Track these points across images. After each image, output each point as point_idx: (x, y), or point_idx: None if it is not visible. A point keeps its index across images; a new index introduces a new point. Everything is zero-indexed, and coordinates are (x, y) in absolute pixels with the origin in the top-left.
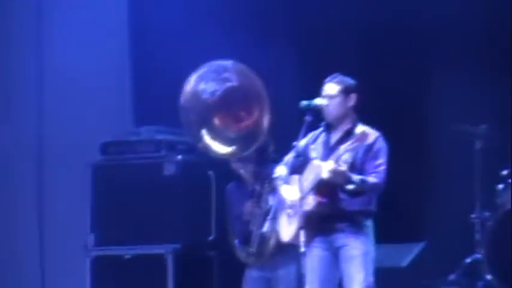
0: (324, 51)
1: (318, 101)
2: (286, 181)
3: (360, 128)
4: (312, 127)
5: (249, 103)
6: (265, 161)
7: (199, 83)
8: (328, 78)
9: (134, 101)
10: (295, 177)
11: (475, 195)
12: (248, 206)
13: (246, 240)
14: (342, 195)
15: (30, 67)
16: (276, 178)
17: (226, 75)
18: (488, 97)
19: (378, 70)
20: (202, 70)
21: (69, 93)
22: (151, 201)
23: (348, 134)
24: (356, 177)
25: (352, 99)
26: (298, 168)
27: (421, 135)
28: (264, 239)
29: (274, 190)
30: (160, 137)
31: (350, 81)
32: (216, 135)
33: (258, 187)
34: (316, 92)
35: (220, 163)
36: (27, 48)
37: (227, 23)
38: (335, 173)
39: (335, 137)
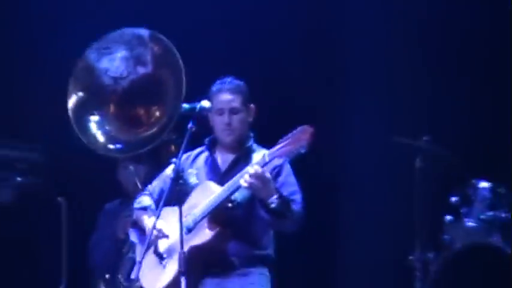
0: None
1: (205, 104)
2: (158, 214)
3: (261, 151)
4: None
5: (157, 101)
6: (162, 163)
7: (102, 57)
8: (223, 85)
9: None
10: (171, 208)
11: (415, 230)
12: (124, 219)
13: (114, 270)
14: (240, 233)
15: None
16: (140, 209)
17: (140, 50)
18: (434, 99)
19: (280, 67)
20: (108, 39)
21: None
22: None
23: (247, 156)
24: (282, 194)
25: (253, 111)
26: (177, 196)
27: (342, 151)
28: (132, 280)
29: (134, 224)
30: None
31: (246, 86)
32: (105, 126)
33: None
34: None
35: (75, 187)
36: None
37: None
38: (262, 179)
39: (225, 158)
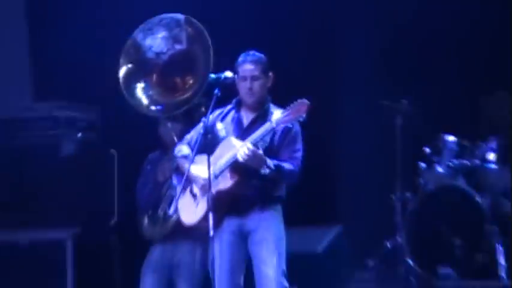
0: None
1: (228, 74)
2: (192, 160)
3: (277, 111)
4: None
5: (189, 72)
6: (195, 122)
7: (147, 37)
8: (245, 57)
9: (33, 75)
10: (204, 156)
11: (396, 175)
12: (164, 166)
13: (155, 207)
14: (256, 181)
15: None
16: (179, 157)
17: (177, 31)
18: (411, 68)
19: (286, 44)
20: (152, 22)
21: None
22: (50, 183)
23: (265, 114)
24: (272, 163)
25: (271, 79)
26: (206, 147)
27: (337, 112)
28: (169, 215)
29: (177, 170)
30: (58, 113)
31: (265, 58)
32: (148, 91)
33: None
34: (223, 65)
35: (125, 141)
36: None
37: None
38: (252, 156)
39: (247, 116)
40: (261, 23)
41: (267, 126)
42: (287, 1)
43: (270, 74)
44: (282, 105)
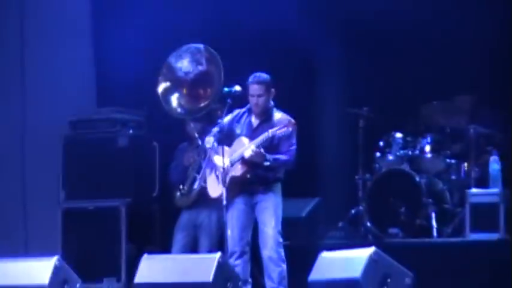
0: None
1: (237, 88)
2: (216, 150)
3: (277, 114)
4: (232, 108)
5: (209, 85)
6: (212, 122)
7: (177, 61)
8: (253, 79)
9: (97, 87)
10: (225, 148)
11: (359, 161)
12: (189, 154)
13: (183, 184)
14: (260, 170)
15: (15, 62)
16: (208, 147)
17: (198, 56)
18: (370, 84)
19: (279, 65)
20: (181, 50)
21: (46, 83)
22: (109, 166)
23: (268, 119)
24: (270, 157)
25: (273, 93)
26: (222, 140)
27: (316, 116)
28: (193, 189)
29: (204, 156)
30: (116, 116)
31: (269, 78)
32: (180, 100)
33: (201, 142)
34: (233, 81)
35: (163, 136)
36: (12, 46)
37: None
38: (255, 155)
39: (256, 120)
40: (258, 49)
41: (265, 134)
42: (276, 33)
43: (272, 90)
44: (282, 108)
